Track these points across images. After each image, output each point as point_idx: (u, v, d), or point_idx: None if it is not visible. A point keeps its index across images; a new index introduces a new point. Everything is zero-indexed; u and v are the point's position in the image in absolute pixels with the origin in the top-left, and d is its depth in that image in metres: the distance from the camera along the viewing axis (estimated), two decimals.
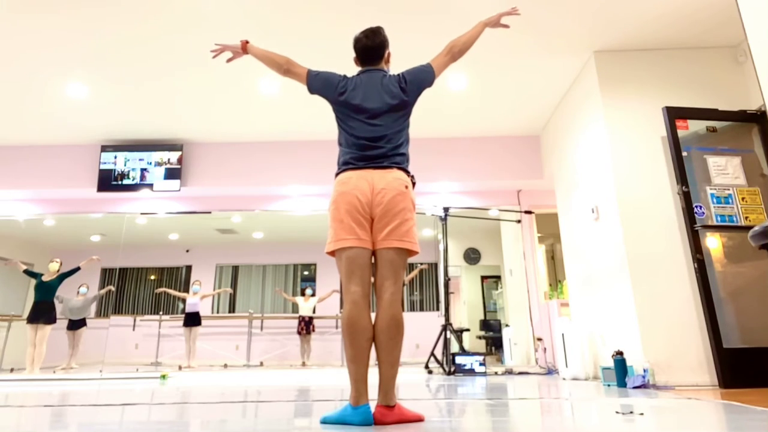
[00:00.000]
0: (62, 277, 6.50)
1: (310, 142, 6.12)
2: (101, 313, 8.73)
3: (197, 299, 7.54)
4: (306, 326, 7.70)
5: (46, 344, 6.27)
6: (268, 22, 3.96)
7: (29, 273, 6.50)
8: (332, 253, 1.98)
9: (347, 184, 1.96)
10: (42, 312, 6.29)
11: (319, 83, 2.15)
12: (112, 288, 8.57)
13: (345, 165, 2.03)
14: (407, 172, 2.05)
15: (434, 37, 4.11)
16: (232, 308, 8.82)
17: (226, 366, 7.52)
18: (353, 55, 2.23)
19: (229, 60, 2.31)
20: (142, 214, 6.37)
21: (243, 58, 2.48)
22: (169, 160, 5.98)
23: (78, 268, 6.54)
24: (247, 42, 2.24)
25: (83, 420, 2.07)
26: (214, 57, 2.32)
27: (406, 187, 1.98)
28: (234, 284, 8.94)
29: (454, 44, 2.23)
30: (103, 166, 5.96)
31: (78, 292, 7.00)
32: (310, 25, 3.99)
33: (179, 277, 8.99)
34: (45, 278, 6.43)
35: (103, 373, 5.70)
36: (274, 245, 8.80)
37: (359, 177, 1.96)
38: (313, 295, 7.87)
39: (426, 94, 5.00)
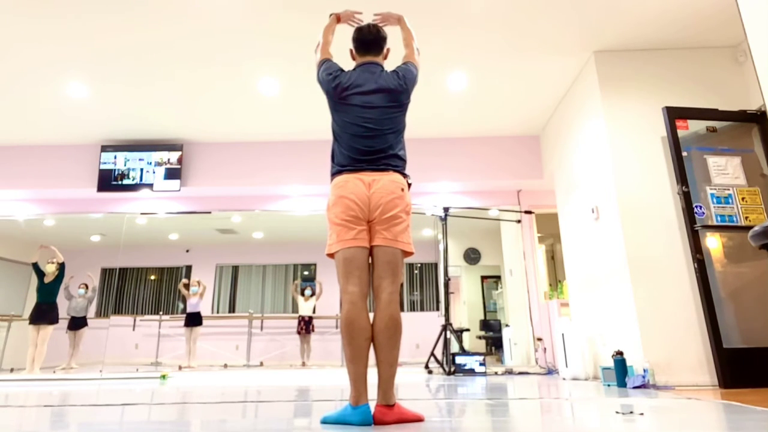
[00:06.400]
0: (60, 277, 6.53)
1: (310, 142, 6.12)
2: (101, 313, 8.73)
3: (197, 299, 7.53)
4: (306, 326, 7.70)
5: (47, 344, 6.28)
6: (268, 21, 3.96)
7: (36, 268, 6.51)
8: (331, 255, 2.01)
9: (344, 188, 1.98)
10: (44, 313, 6.33)
11: (322, 70, 2.20)
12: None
13: (341, 167, 2.04)
14: (404, 175, 2.07)
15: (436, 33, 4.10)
16: (232, 308, 8.81)
17: (226, 366, 7.51)
18: (351, 46, 2.24)
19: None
20: (142, 214, 6.37)
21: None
22: (169, 160, 5.98)
23: (63, 266, 6.55)
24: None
25: (83, 420, 2.07)
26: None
27: (402, 189, 2.02)
28: (234, 284, 8.93)
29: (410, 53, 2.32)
30: (103, 166, 5.96)
31: (78, 294, 7.02)
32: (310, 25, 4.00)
33: (179, 277, 8.98)
34: (46, 280, 6.45)
35: (103, 373, 5.70)
36: (274, 245, 8.80)
37: (355, 180, 1.98)
38: (312, 294, 7.87)
39: (426, 94, 5.05)
